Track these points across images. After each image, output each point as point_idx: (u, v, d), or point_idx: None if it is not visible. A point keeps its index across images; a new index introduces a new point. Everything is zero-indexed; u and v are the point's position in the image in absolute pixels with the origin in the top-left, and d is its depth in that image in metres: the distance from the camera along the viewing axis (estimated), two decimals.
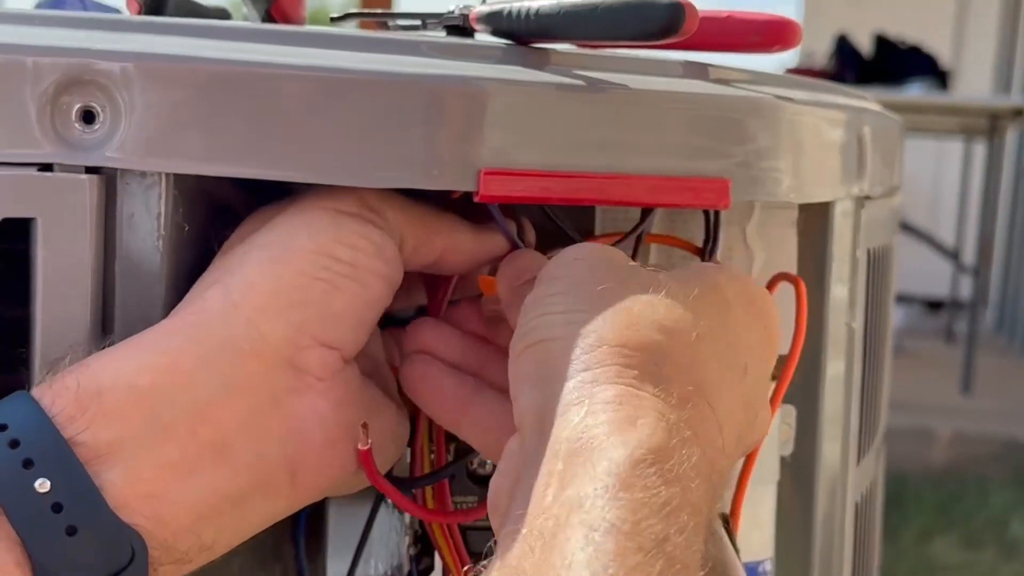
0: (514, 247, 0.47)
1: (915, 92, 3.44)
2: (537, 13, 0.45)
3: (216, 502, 0.40)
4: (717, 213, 0.49)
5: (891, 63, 3.73)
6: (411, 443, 0.49)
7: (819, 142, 0.50)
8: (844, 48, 3.77)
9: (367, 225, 0.43)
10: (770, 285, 0.50)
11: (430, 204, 0.46)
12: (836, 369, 0.55)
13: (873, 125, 0.56)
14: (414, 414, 0.48)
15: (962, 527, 2.49)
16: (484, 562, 0.35)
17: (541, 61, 0.46)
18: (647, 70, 0.48)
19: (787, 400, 0.53)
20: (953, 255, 3.99)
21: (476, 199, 0.43)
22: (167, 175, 0.43)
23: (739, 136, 0.45)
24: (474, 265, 0.48)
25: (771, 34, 0.47)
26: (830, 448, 0.55)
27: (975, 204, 3.83)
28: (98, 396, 0.38)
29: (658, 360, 0.37)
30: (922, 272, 4.65)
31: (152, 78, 0.41)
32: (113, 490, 0.38)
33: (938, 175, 4.87)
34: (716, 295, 0.41)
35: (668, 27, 0.41)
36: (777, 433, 0.53)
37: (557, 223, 0.48)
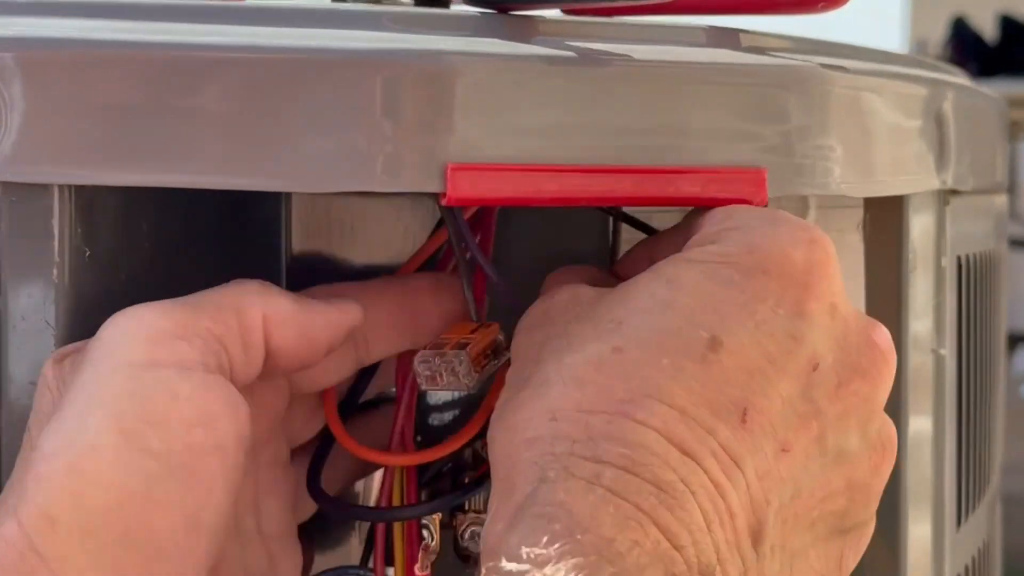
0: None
1: None
2: None
3: None
4: None
5: (1022, 50, 3.69)
6: None
7: (882, 121, 0.48)
8: (962, 33, 3.73)
9: (187, 373, 0.37)
10: None
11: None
12: (921, 410, 0.54)
13: (959, 103, 0.55)
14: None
15: None
16: None
17: (525, 31, 0.45)
18: (658, 38, 0.46)
19: None
20: None
21: (443, 202, 0.42)
22: (61, 188, 0.42)
23: (774, 113, 0.44)
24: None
25: None
26: (917, 513, 0.54)
27: None
28: None
29: None
30: None
31: (38, 69, 0.40)
32: None
33: None
34: None
35: None
36: None
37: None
